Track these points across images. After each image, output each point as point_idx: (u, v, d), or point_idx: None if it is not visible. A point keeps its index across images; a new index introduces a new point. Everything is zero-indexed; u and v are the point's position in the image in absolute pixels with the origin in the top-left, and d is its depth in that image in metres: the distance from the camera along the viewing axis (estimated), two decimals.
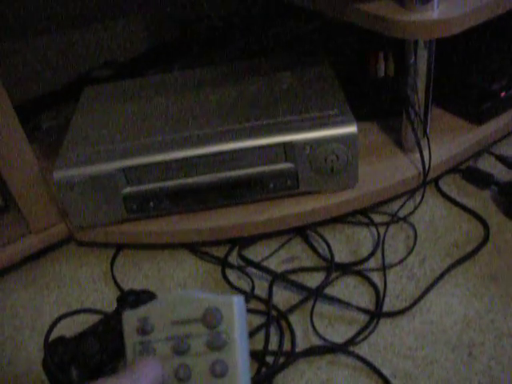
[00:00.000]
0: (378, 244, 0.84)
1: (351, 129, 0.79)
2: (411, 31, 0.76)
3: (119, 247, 0.91)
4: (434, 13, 0.76)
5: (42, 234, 0.89)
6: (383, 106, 0.98)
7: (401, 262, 0.81)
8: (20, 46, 1.18)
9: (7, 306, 0.86)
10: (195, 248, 0.88)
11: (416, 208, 0.89)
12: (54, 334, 0.68)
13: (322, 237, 0.85)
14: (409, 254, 0.82)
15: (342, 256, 0.83)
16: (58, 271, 0.89)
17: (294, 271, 0.82)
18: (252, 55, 1.22)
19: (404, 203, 0.87)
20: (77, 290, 0.86)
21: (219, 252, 0.87)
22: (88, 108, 0.95)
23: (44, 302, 0.85)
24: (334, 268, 0.80)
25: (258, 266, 0.83)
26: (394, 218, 0.87)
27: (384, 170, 0.88)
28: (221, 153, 0.80)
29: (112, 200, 0.83)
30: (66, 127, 0.91)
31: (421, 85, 0.84)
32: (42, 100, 1.21)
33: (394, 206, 0.90)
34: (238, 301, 0.47)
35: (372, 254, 0.82)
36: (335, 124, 0.80)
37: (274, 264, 0.84)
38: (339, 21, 0.84)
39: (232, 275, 0.83)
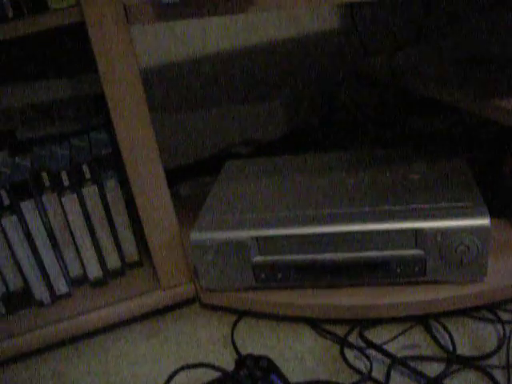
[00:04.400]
0: (504, 342, 0.81)
1: (484, 221, 0.79)
2: None
3: (242, 313, 0.94)
4: None
5: (171, 291, 0.94)
6: None
7: None
8: (168, 119, 1.29)
9: (129, 353, 0.91)
10: (316, 323, 0.90)
11: None
12: None
13: (444, 327, 0.84)
14: None
15: (463, 349, 0.82)
16: (180, 328, 0.93)
17: (413, 358, 0.81)
18: (387, 146, 1.25)
19: None
20: (195, 349, 0.89)
21: (339, 330, 0.88)
22: (228, 179, 1.02)
23: (162, 355, 0.89)
24: (455, 360, 0.79)
25: (378, 348, 0.83)
26: None
27: None
28: (351, 233, 0.83)
29: (242, 267, 0.87)
30: (202, 197, 0.97)
31: None
32: (184, 170, 1.30)
33: None
34: None
35: (496, 350, 0.80)
36: (468, 215, 0.80)
37: (393, 349, 0.83)
38: (477, 118, 0.86)
39: (350, 354, 0.84)
